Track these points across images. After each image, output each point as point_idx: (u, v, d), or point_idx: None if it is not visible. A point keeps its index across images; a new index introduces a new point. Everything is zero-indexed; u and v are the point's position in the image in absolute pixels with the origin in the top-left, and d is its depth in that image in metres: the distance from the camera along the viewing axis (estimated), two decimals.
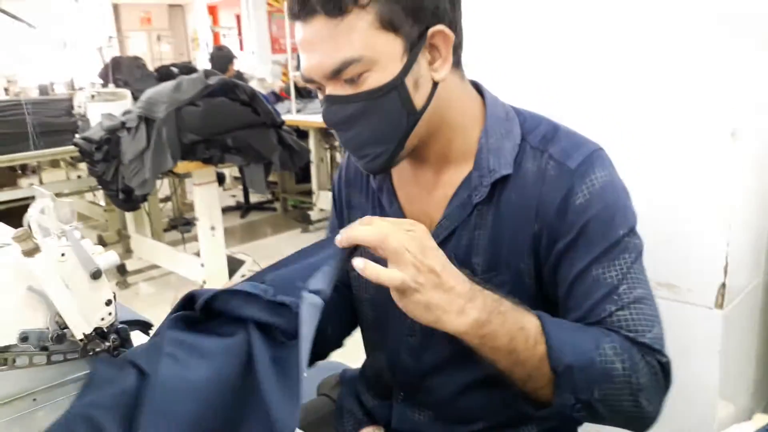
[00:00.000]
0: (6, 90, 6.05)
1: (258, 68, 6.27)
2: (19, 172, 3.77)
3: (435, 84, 0.83)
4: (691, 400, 1.23)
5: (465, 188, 0.89)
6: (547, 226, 0.85)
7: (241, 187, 5.79)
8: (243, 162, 3.09)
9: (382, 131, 0.83)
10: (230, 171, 5.99)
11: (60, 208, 0.68)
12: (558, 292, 0.86)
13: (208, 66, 5.60)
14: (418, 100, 0.82)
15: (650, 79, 1.18)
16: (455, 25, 0.83)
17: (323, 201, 4.77)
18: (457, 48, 0.85)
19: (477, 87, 0.95)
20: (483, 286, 0.77)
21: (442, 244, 0.90)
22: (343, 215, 1.07)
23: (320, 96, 0.86)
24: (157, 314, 1.04)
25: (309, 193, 5.08)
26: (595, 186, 0.83)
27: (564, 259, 0.84)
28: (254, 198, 5.72)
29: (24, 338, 0.68)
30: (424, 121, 0.84)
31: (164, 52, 10.42)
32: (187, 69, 5.56)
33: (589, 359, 0.76)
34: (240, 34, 9.86)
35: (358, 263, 0.73)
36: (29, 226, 0.72)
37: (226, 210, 4.21)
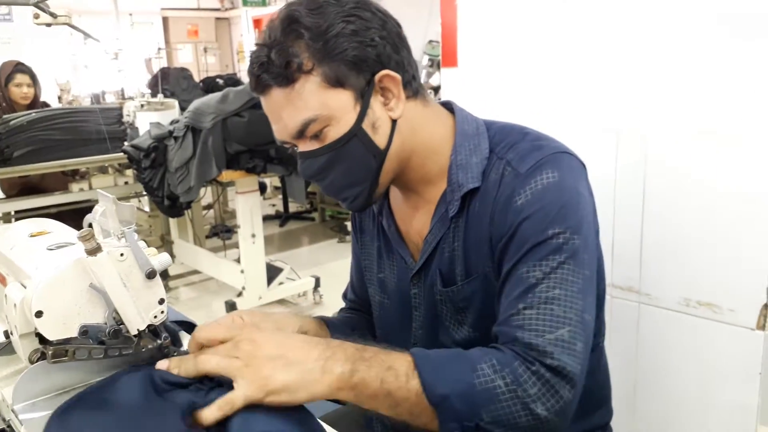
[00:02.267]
0: (59, 98, 6.30)
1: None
2: (70, 176, 3.90)
3: (394, 122, 0.90)
4: (730, 424, 1.22)
5: (442, 204, 0.95)
6: (495, 228, 0.88)
7: (280, 196, 5.89)
8: (285, 172, 3.16)
9: (353, 175, 0.90)
10: (271, 181, 6.09)
11: (122, 210, 0.72)
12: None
13: None
14: (380, 141, 0.89)
15: (693, 90, 1.18)
16: (402, 64, 0.89)
17: None
18: (411, 81, 0.90)
19: (449, 106, 1.00)
20: (344, 338, 0.79)
21: (429, 258, 0.96)
22: (357, 239, 1.14)
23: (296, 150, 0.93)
24: (197, 318, 1.09)
25: None
26: (537, 187, 0.85)
27: (502, 259, 0.87)
28: (293, 207, 5.81)
29: (84, 332, 0.72)
30: (391, 156, 0.90)
31: (210, 64, 10.68)
32: (232, 81, 5.69)
33: (466, 384, 0.75)
34: None
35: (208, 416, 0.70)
36: (90, 227, 0.76)
37: (265, 218, 4.28)
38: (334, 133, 0.86)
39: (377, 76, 0.86)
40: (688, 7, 1.16)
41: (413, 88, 0.91)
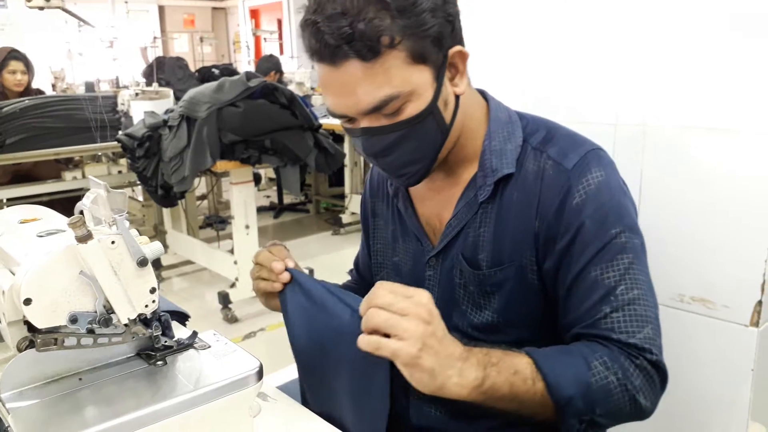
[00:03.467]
0: (53, 86, 6.25)
1: (297, 73, 6.34)
2: (63, 165, 3.88)
3: (457, 98, 0.90)
4: (722, 419, 1.22)
5: (471, 188, 0.95)
6: (546, 224, 0.89)
7: (275, 187, 5.87)
8: (280, 163, 3.14)
9: (419, 152, 0.90)
10: (265, 172, 6.07)
11: (113, 197, 0.71)
12: (558, 293, 0.90)
13: (249, 68, 5.69)
14: (447, 117, 0.89)
15: (686, 86, 1.17)
16: (461, 38, 0.89)
17: (355, 205, 4.80)
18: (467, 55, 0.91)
19: (482, 93, 1.00)
20: (467, 343, 0.80)
21: (450, 242, 0.97)
22: (368, 223, 1.15)
23: (347, 126, 0.90)
24: (189, 309, 1.08)
25: (341, 196, 5.12)
26: (590, 186, 0.87)
27: (563, 260, 0.88)
28: (287, 199, 5.79)
29: (73, 320, 0.71)
30: (452, 133, 0.91)
31: (206, 54, 10.61)
32: (228, 71, 5.67)
33: (585, 384, 0.80)
34: (281, 38, 9.99)
35: (361, 343, 0.76)
36: (81, 214, 0.75)
37: (259, 210, 4.27)
38: (412, 109, 0.85)
39: (451, 52, 0.86)
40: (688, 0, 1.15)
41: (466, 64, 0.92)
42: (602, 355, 0.82)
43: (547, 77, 1.38)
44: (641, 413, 0.83)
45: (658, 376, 0.84)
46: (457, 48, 0.87)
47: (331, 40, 0.79)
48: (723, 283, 1.17)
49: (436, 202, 1.00)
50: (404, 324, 0.74)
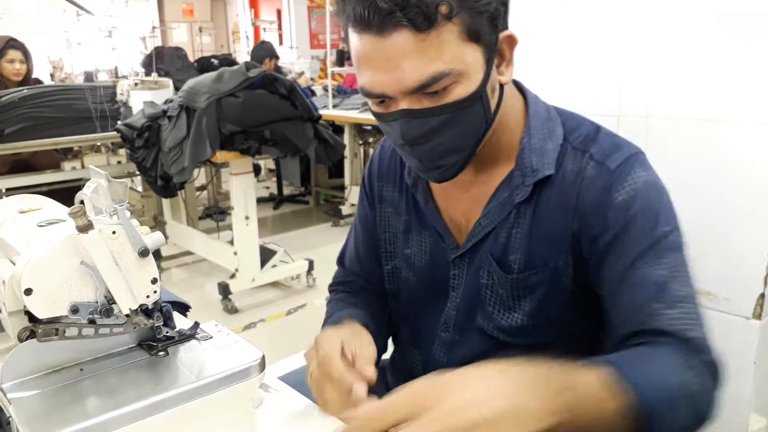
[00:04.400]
0: (52, 75, 6.23)
1: (297, 63, 6.32)
2: (62, 155, 3.87)
3: (502, 87, 0.85)
4: (724, 412, 1.21)
5: (505, 187, 0.89)
6: (586, 224, 0.84)
7: (275, 179, 5.86)
8: (280, 154, 3.13)
9: (461, 140, 0.83)
10: (265, 163, 6.06)
11: (114, 187, 0.70)
12: (601, 291, 0.84)
13: (248, 59, 5.68)
14: (493, 105, 0.83)
15: (688, 76, 1.16)
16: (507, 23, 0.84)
17: (355, 196, 4.78)
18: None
19: (518, 86, 0.95)
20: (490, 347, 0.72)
21: (479, 241, 0.91)
22: (374, 208, 1.08)
23: (376, 108, 0.83)
24: (189, 299, 1.08)
25: (341, 187, 5.11)
26: (637, 183, 0.83)
27: (608, 257, 0.83)
28: (287, 190, 5.79)
29: (74, 310, 0.71)
30: (494, 123, 0.86)
31: (205, 44, 10.57)
32: (227, 61, 5.66)
33: (675, 398, 0.69)
34: (280, 28, 9.95)
35: None
36: (82, 203, 0.75)
37: (259, 201, 4.26)
38: (461, 91, 0.78)
39: (502, 36, 0.80)
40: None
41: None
42: (676, 356, 0.73)
43: (549, 68, 1.37)
44: (707, 418, 0.73)
45: (719, 374, 0.75)
46: (508, 32, 0.81)
47: (384, 4, 0.72)
48: (725, 275, 1.17)
49: (463, 200, 0.94)
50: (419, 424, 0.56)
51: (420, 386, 0.58)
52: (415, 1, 0.71)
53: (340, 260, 1.19)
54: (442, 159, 0.84)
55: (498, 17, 0.78)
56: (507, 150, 0.90)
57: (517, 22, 1.42)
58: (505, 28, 0.81)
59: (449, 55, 0.75)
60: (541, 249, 0.88)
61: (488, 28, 0.77)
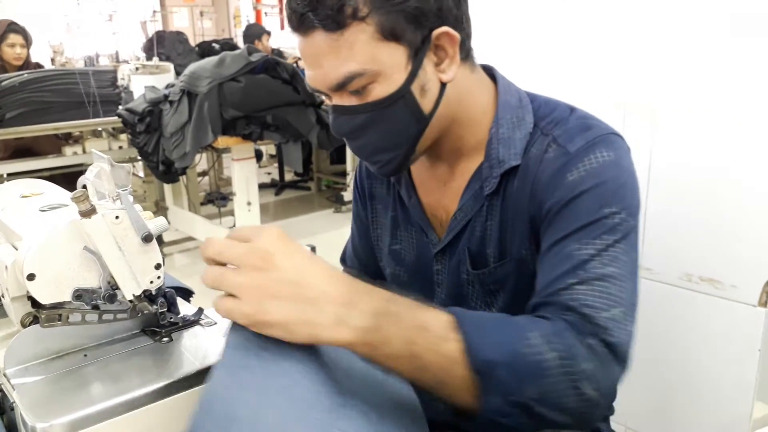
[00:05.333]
0: (52, 60, 6.20)
1: (297, 47, 6.28)
2: (63, 140, 3.85)
3: (443, 85, 0.82)
4: (726, 399, 1.22)
5: (476, 180, 0.88)
6: (538, 206, 0.82)
7: (276, 164, 5.85)
8: (282, 139, 3.12)
9: (391, 139, 0.82)
10: (266, 148, 6.04)
11: (117, 171, 0.70)
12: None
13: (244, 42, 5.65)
14: (426, 105, 0.81)
15: (691, 71, 1.15)
16: (461, 20, 0.81)
17: None
18: (465, 41, 0.82)
19: (490, 72, 0.92)
20: (374, 283, 0.66)
21: (457, 236, 0.90)
22: (366, 206, 1.07)
23: (327, 102, 0.85)
24: (192, 285, 1.07)
25: (343, 173, 5.09)
26: (593, 164, 0.79)
27: (546, 233, 0.80)
28: (289, 176, 5.77)
29: (78, 296, 0.70)
30: (434, 123, 0.83)
31: (206, 28, 10.50)
32: (229, 46, 5.63)
33: (514, 352, 0.65)
34: (281, 12, 9.88)
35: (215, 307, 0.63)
36: (84, 188, 0.74)
37: (261, 187, 4.24)
38: (380, 91, 0.78)
39: (435, 33, 0.77)
40: None
41: (466, 48, 0.83)
42: (546, 328, 0.68)
43: (555, 58, 1.36)
44: (587, 405, 0.67)
45: (616, 363, 0.69)
46: (443, 29, 0.78)
47: (298, 7, 0.75)
48: (731, 263, 1.16)
49: (442, 193, 0.93)
50: (234, 279, 0.61)
51: (263, 245, 0.62)
52: (324, 3, 0.73)
53: (342, 260, 1.19)
54: (375, 155, 0.85)
55: (422, 14, 0.76)
56: (476, 142, 0.88)
57: (524, 12, 1.41)
58: (445, 24, 0.78)
59: (363, 56, 0.75)
60: (509, 239, 0.86)
61: (409, 26, 0.76)
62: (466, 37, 0.82)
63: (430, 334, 0.65)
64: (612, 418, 1.07)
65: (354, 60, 0.75)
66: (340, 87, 0.78)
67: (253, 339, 0.61)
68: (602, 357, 0.68)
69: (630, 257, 0.76)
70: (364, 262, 1.13)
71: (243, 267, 0.62)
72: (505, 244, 0.87)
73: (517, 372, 0.65)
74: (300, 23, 0.76)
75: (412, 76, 0.78)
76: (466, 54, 0.84)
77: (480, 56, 0.91)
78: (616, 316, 0.71)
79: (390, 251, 1.02)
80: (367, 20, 0.74)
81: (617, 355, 0.69)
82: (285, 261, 0.62)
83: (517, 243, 0.85)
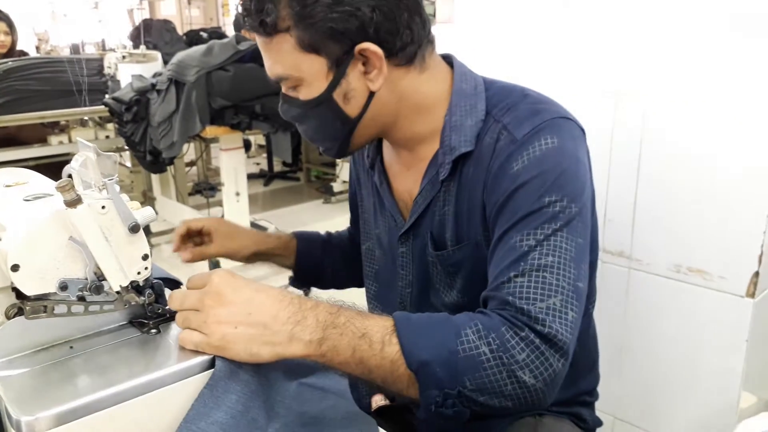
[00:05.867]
0: (37, 48, 6.12)
1: None
2: (49, 128, 3.80)
3: (371, 93, 0.86)
4: (714, 389, 1.23)
5: (433, 166, 0.92)
6: (488, 195, 0.85)
7: (265, 154, 5.82)
8: (270, 129, 3.10)
9: (322, 133, 0.91)
10: (255, 138, 6.01)
11: (103, 160, 0.68)
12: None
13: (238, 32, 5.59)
14: (351, 110, 0.87)
15: (686, 61, 1.15)
16: (396, 31, 0.83)
17: (346, 173, 4.76)
18: (407, 46, 0.85)
19: (449, 59, 0.95)
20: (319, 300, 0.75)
21: (419, 220, 0.94)
22: (355, 192, 1.14)
23: None
24: (180, 275, 1.06)
25: (332, 164, 5.08)
26: (535, 153, 0.81)
27: (494, 225, 0.83)
28: (278, 167, 5.74)
29: (63, 287, 0.69)
30: (366, 123, 0.88)
31: (194, 17, 10.39)
32: (217, 34, 5.58)
33: (448, 350, 0.71)
34: None
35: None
36: (69, 177, 0.72)
37: (249, 177, 4.22)
38: (305, 94, 0.86)
39: (357, 48, 0.82)
40: None
41: (408, 54, 0.86)
42: (477, 323, 0.73)
43: (546, 48, 1.35)
44: (530, 392, 0.72)
45: (552, 351, 0.72)
46: (364, 46, 0.82)
47: (241, 8, 0.85)
48: (720, 254, 1.17)
49: (406, 178, 0.97)
50: (197, 319, 0.71)
51: (214, 288, 0.72)
52: (253, 11, 0.82)
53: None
54: (315, 141, 0.94)
55: (341, 33, 0.81)
56: (432, 130, 0.91)
57: (517, 3, 1.40)
58: (371, 40, 0.82)
59: (287, 62, 0.84)
60: (465, 224, 0.90)
61: (329, 41, 0.81)
62: (406, 43, 0.85)
63: (372, 340, 0.72)
64: (599, 408, 1.07)
65: (280, 64, 0.85)
66: (277, 83, 0.88)
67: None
68: (537, 346, 0.72)
69: (572, 244, 0.78)
70: (352, 233, 1.23)
71: (202, 309, 0.71)
72: (461, 229, 0.90)
73: (453, 367, 0.71)
74: (244, 23, 0.87)
75: (333, 85, 0.85)
76: (409, 58, 0.87)
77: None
78: (552, 306, 0.74)
79: (375, 235, 1.07)
80: (289, 32, 0.81)
81: (553, 344, 0.72)
82: (235, 296, 0.72)
83: (473, 228, 0.89)
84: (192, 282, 0.77)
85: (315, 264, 1.22)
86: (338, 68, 0.83)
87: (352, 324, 0.73)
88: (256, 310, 0.71)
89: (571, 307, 0.75)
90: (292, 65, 0.83)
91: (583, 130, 0.88)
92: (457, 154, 0.88)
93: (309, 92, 0.85)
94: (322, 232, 1.28)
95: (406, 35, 0.84)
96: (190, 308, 0.73)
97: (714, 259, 1.17)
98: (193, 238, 1.15)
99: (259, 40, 0.85)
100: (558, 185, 0.80)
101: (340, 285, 1.25)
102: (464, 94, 0.90)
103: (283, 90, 0.90)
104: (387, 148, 1.00)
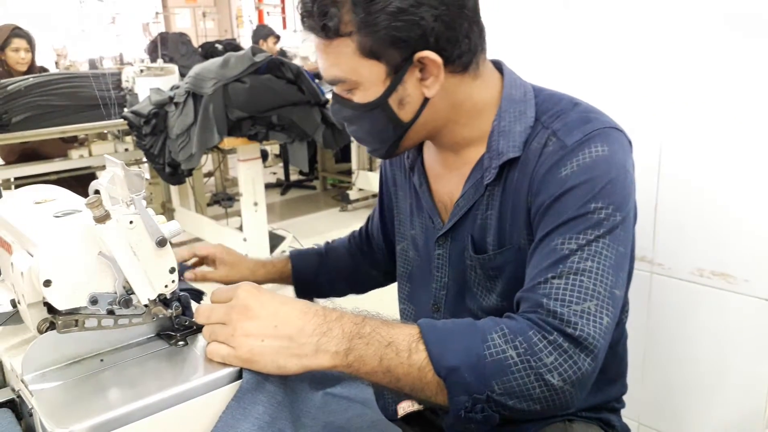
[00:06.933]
0: (56, 63, 6.21)
1: (301, 46, 6.27)
2: (69, 143, 3.86)
3: (426, 99, 0.87)
4: (740, 394, 1.21)
5: (478, 170, 0.93)
6: (534, 199, 0.85)
7: (281, 164, 5.85)
8: (287, 139, 3.12)
9: (373, 136, 0.92)
10: (271, 148, 6.05)
11: (130, 176, 0.70)
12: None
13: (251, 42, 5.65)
14: (405, 115, 0.88)
15: (708, 65, 1.14)
16: (456, 39, 0.84)
17: (362, 181, 4.78)
18: (462, 56, 0.86)
19: (499, 66, 0.96)
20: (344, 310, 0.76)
21: (459, 223, 0.95)
22: (389, 193, 1.14)
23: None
24: (200, 287, 1.08)
25: (348, 172, 5.09)
26: (585, 159, 0.82)
27: (537, 227, 0.84)
28: (294, 176, 5.77)
29: (94, 301, 0.70)
30: (418, 128, 0.90)
31: (208, 29, 10.49)
32: (232, 46, 5.62)
33: (475, 355, 0.72)
34: (284, 12, 9.88)
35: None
36: (97, 193, 0.74)
37: (266, 186, 4.24)
38: (360, 97, 0.87)
39: (416, 56, 0.83)
40: None
41: (464, 62, 0.87)
42: (504, 327, 0.74)
43: (562, 55, 1.35)
44: (558, 395, 0.72)
45: (581, 353, 0.72)
46: (426, 53, 0.83)
47: (301, 10, 0.85)
48: (743, 257, 1.16)
49: (448, 180, 0.98)
50: (224, 332, 0.72)
51: (241, 302, 0.73)
52: (316, 14, 0.82)
53: (367, 230, 1.28)
54: (364, 142, 0.95)
55: (403, 41, 0.82)
56: (479, 134, 0.92)
57: (530, 9, 1.40)
58: (431, 49, 0.83)
59: (345, 66, 0.85)
60: (509, 228, 0.90)
61: (390, 49, 0.82)
62: (464, 51, 0.86)
63: (399, 349, 0.73)
64: (624, 414, 1.07)
65: (338, 67, 0.85)
66: (332, 84, 0.89)
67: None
68: (565, 350, 0.72)
69: (612, 251, 0.79)
70: (373, 235, 1.24)
71: (229, 323, 0.72)
72: (503, 233, 0.91)
73: (480, 372, 0.72)
74: (303, 24, 0.86)
75: (389, 90, 0.86)
76: (464, 66, 0.88)
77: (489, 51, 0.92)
78: (587, 310, 0.75)
79: (410, 236, 1.08)
80: (351, 37, 0.82)
81: (583, 347, 0.73)
82: (261, 310, 0.73)
83: (516, 233, 0.89)
84: (217, 295, 0.78)
85: (310, 281, 1.25)
86: (396, 74, 0.84)
87: (378, 333, 0.73)
88: (282, 323, 0.72)
89: (606, 312, 0.76)
90: (351, 69, 0.84)
91: (630, 143, 0.89)
92: (504, 159, 0.89)
93: (365, 96, 0.86)
94: (321, 243, 1.31)
95: (464, 44, 0.86)
96: (217, 322, 0.74)
97: (738, 263, 1.16)
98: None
99: (317, 41, 0.86)
100: (605, 193, 0.81)
101: (340, 294, 1.28)
102: (514, 100, 0.92)
103: (336, 91, 0.90)
104: (428, 150, 1.01)
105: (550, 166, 0.84)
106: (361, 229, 1.28)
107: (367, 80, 0.85)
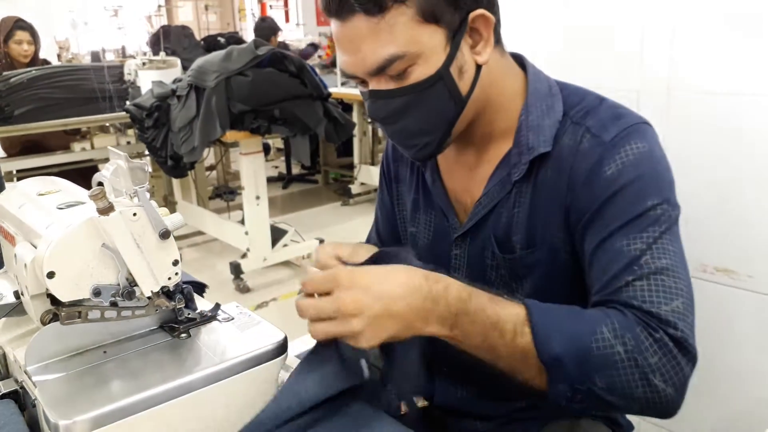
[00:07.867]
0: (58, 56, 6.20)
1: (303, 40, 6.27)
2: (71, 135, 3.86)
3: (478, 67, 0.83)
4: (745, 390, 1.21)
5: (504, 166, 0.89)
6: (576, 197, 0.83)
7: (283, 158, 5.85)
8: (289, 133, 3.12)
9: (429, 122, 0.84)
10: (273, 142, 6.04)
11: (134, 168, 0.70)
12: (583, 263, 0.83)
13: (254, 37, 5.63)
14: (463, 87, 0.83)
15: (713, 54, 1.14)
16: (494, 4, 0.83)
17: (364, 175, 4.78)
18: (496, 25, 0.84)
19: (519, 60, 0.93)
20: (457, 278, 0.75)
21: (481, 221, 0.91)
22: (392, 189, 1.09)
23: (361, 89, 0.86)
24: (202, 279, 1.07)
25: (350, 166, 5.09)
26: (629, 157, 0.81)
27: (590, 229, 0.82)
28: (296, 169, 5.77)
29: (97, 293, 0.70)
30: (470, 105, 0.84)
31: (211, 22, 10.47)
32: (235, 39, 5.61)
33: (583, 347, 0.71)
34: (286, 5, 9.85)
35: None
36: (101, 185, 0.74)
37: (268, 180, 4.25)
38: (419, 73, 0.79)
39: (471, 15, 0.79)
40: None
41: (497, 32, 0.85)
42: (614, 321, 0.72)
43: (568, 43, 1.34)
44: (660, 397, 0.71)
45: (683, 356, 0.71)
46: (479, 12, 0.79)
47: None
48: (747, 253, 1.15)
49: (468, 178, 0.94)
50: (341, 329, 0.70)
51: (346, 295, 0.70)
52: None
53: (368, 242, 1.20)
54: (412, 139, 0.86)
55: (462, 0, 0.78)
56: (505, 128, 0.89)
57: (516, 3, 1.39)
58: (480, 7, 0.80)
59: (403, 38, 0.77)
60: (540, 227, 0.87)
61: (448, 8, 0.78)
62: (497, 20, 0.84)
63: (504, 329, 0.72)
64: None
65: (394, 43, 0.77)
66: (380, 71, 0.79)
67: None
68: (670, 350, 0.71)
69: (677, 247, 0.79)
70: (387, 242, 1.14)
71: (340, 317, 0.70)
72: (533, 232, 0.87)
73: (585, 364, 0.70)
74: (340, 7, 0.77)
75: (450, 57, 0.80)
76: (497, 38, 0.85)
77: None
78: (677, 309, 0.73)
79: (408, 233, 1.04)
80: (407, 2, 0.76)
81: (684, 349, 0.72)
82: (368, 297, 0.70)
83: (550, 232, 0.86)
84: (313, 286, 0.74)
85: None
86: (454, 39, 0.80)
87: (483, 312, 0.73)
88: (392, 304, 0.70)
89: (691, 309, 0.75)
90: (410, 40, 0.77)
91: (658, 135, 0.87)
92: (535, 155, 0.85)
93: (425, 70, 0.79)
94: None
95: (497, 9, 0.83)
96: (327, 317, 0.71)
97: (741, 258, 1.16)
98: None
99: (362, 25, 0.77)
100: (657, 189, 0.80)
101: None
102: (540, 93, 0.89)
103: (373, 86, 0.82)
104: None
105: (592, 165, 0.81)
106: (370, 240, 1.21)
107: (429, 48, 0.78)
